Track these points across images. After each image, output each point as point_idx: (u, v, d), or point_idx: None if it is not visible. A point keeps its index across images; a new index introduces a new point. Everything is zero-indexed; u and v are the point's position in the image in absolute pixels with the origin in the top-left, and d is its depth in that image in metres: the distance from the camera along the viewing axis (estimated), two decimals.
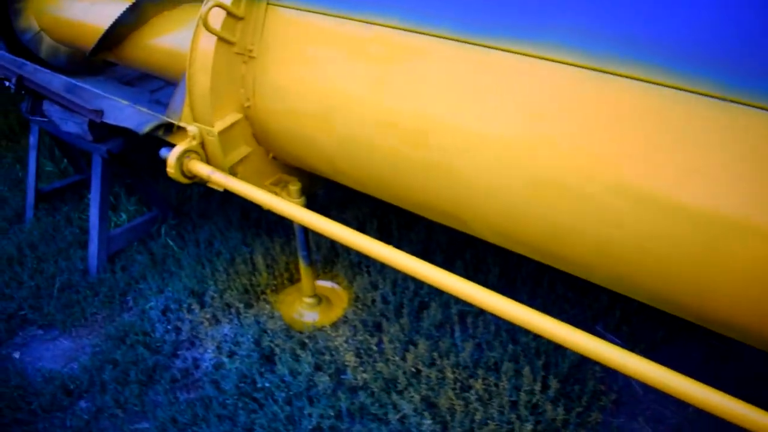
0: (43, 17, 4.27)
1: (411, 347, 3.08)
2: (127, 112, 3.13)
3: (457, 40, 2.22)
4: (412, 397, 2.83)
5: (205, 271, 3.62)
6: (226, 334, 3.19)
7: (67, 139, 3.71)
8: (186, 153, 2.72)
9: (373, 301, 3.34)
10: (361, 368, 2.97)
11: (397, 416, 2.80)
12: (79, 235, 4.02)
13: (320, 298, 3.50)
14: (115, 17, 3.47)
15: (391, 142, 2.42)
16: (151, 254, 3.82)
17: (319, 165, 2.87)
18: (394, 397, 2.86)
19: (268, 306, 3.39)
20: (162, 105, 4.14)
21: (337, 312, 3.45)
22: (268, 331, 3.18)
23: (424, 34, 2.30)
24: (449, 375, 2.90)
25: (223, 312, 3.36)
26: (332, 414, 2.80)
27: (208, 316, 3.32)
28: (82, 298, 3.54)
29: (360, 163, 2.62)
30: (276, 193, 3.09)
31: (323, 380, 2.93)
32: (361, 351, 3.08)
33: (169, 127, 3.02)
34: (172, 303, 3.42)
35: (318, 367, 3.01)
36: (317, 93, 2.58)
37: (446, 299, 3.30)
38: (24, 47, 4.33)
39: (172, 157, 2.67)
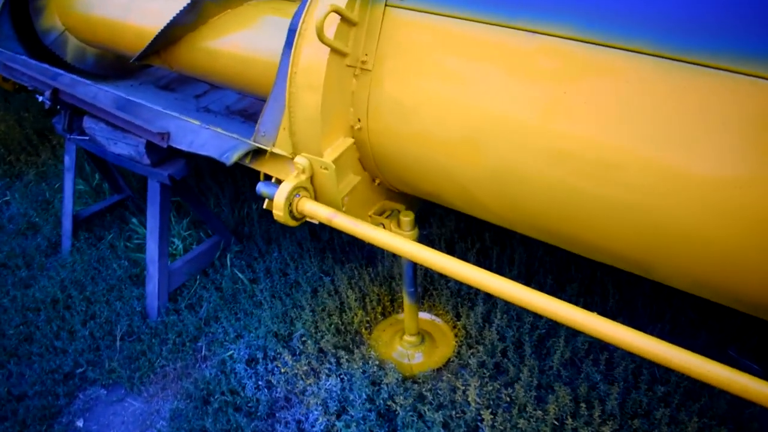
0: (69, 16, 3.71)
1: (547, 394, 2.68)
2: (204, 136, 2.63)
3: (657, 56, 1.77)
4: None
5: (286, 309, 3.17)
6: (330, 390, 2.75)
7: (114, 161, 3.20)
8: (295, 191, 2.25)
9: (487, 337, 2.91)
10: (499, 426, 2.56)
11: None
12: (129, 268, 3.54)
13: (422, 336, 3.07)
14: (165, 15, 2.97)
15: (562, 175, 1.98)
16: (219, 289, 3.35)
17: (448, 195, 2.42)
18: None
19: (369, 350, 2.95)
20: (212, 113, 3.65)
21: (443, 351, 3.03)
22: (381, 384, 2.75)
23: (610, 47, 1.84)
24: (601, 428, 2.50)
25: (319, 360, 2.92)
26: None
27: (303, 367, 2.87)
28: (147, 348, 3.08)
29: (513, 198, 2.17)
30: (383, 225, 2.65)
31: None
32: (492, 402, 2.66)
33: (256, 152, 2.54)
34: (256, 351, 2.97)
35: (446, 426, 2.59)
36: (459, 114, 2.12)
37: (569, 330, 2.90)
38: (47, 50, 3.79)
39: (279, 197, 2.20)
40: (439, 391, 2.72)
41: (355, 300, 3.15)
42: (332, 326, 3.05)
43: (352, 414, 2.63)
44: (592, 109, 1.87)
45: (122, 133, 3.00)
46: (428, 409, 2.64)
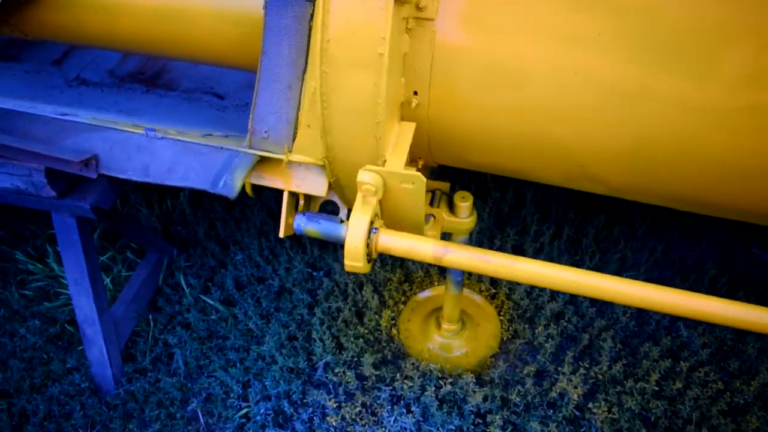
0: None
1: (635, 361, 2.34)
2: (163, 153, 1.71)
3: None
4: None
5: (289, 331, 2.45)
6: (404, 428, 2.17)
7: None
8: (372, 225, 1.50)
9: (535, 303, 2.47)
10: (607, 413, 2.19)
11: None
12: (44, 329, 2.53)
13: (462, 320, 2.55)
14: None
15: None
16: (186, 327, 2.51)
17: (542, 172, 1.80)
18: None
19: (417, 363, 2.38)
20: (91, 85, 2.57)
21: (490, 330, 2.54)
22: (458, 401, 2.22)
23: None
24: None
25: (365, 391, 2.30)
26: None
27: (352, 407, 2.24)
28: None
29: (653, 172, 1.63)
30: (433, 217, 1.99)
31: None
32: (582, 383, 2.27)
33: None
34: (279, 401, 2.27)
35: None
36: (591, 78, 1.48)
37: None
38: None
39: (356, 239, 1.46)
40: (520, 388, 2.26)
41: (372, 294, 2.51)
42: (359, 339, 2.42)
43: None
44: None
45: None
46: (524, 418, 2.19)
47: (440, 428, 2.15)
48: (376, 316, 2.49)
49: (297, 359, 2.37)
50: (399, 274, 2.63)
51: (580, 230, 2.75)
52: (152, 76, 2.65)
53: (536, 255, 2.64)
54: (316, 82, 1.51)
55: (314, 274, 2.66)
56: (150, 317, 2.53)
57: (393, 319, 2.54)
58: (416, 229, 1.68)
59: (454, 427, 2.13)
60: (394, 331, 2.51)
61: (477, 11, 1.50)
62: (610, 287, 1.45)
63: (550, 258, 2.62)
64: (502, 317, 2.54)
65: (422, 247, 1.51)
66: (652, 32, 1.43)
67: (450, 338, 2.52)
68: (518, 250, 2.68)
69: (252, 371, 2.36)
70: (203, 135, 1.91)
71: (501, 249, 2.67)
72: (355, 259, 1.49)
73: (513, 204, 2.84)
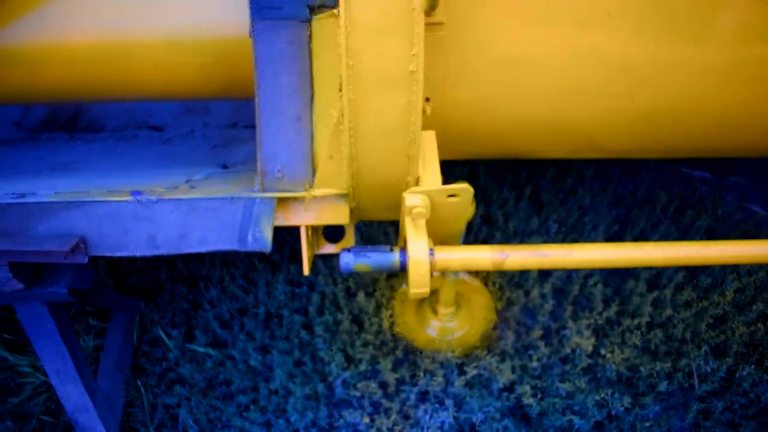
0: None
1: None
2: (169, 220, 1.52)
3: None
4: None
5: (294, 357, 2.34)
6: (445, 424, 2.17)
7: None
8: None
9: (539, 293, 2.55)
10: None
11: None
12: (21, 423, 2.22)
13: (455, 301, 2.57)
14: None
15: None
16: (181, 382, 2.31)
17: (551, 150, 1.83)
18: None
19: (433, 355, 2.37)
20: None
21: (482, 307, 2.59)
22: (489, 387, 2.26)
23: None
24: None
25: (389, 397, 2.27)
26: None
27: (389, 417, 2.20)
28: None
29: (656, 134, 1.72)
30: None
31: None
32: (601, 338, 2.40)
33: None
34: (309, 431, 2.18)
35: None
36: (603, 60, 1.51)
37: None
38: None
39: (420, 267, 1.40)
40: (533, 353, 2.34)
41: (365, 298, 2.45)
42: (367, 347, 2.37)
43: None
44: None
45: None
46: (546, 380, 2.27)
47: (478, 413, 2.18)
48: (376, 319, 2.44)
49: (313, 384, 2.28)
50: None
51: (536, 187, 2.85)
52: (69, 120, 2.34)
53: (506, 221, 2.70)
54: (340, 111, 1.40)
55: (297, 291, 2.54)
56: (138, 382, 2.30)
57: (392, 317, 2.50)
58: (455, 239, 1.65)
59: (493, 409, 2.17)
60: (396, 329, 2.48)
61: (486, 7, 1.46)
62: (662, 255, 1.52)
63: (522, 220, 2.70)
64: (491, 288, 2.59)
65: (480, 257, 1.48)
66: (656, 5, 1.47)
67: (449, 320, 2.53)
68: (488, 220, 2.72)
69: (269, 409, 2.24)
70: (186, 182, 1.73)
71: (472, 223, 2.70)
72: (421, 286, 1.44)
73: (468, 177, 2.87)
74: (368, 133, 1.42)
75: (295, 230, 2.56)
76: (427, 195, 1.44)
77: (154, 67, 1.74)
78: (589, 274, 2.55)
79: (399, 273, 1.62)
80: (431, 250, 1.46)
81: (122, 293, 2.50)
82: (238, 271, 2.57)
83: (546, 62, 1.51)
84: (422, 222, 1.45)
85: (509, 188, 2.80)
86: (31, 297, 1.79)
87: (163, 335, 2.40)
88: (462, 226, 1.60)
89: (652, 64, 1.53)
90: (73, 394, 2.02)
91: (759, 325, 2.39)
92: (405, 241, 1.47)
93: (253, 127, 2.15)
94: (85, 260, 1.53)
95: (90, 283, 1.82)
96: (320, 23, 1.44)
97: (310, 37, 1.46)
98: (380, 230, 2.69)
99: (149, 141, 2.25)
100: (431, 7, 1.28)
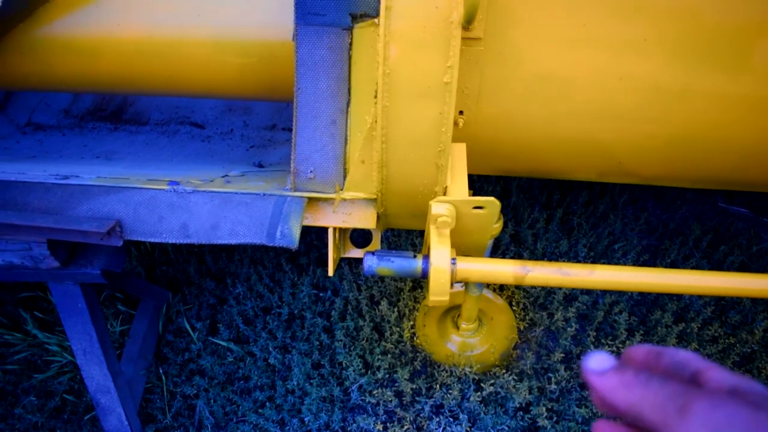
0: None
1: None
2: (200, 207, 1.57)
3: None
4: None
5: (313, 360, 2.37)
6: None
7: None
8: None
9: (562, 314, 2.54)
10: None
11: None
12: (43, 403, 2.29)
13: (478, 318, 2.56)
14: None
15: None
16: (201, 374, 2.36)
17: (579, 173, 1.83)
18: None
19: (451, 368, 2.38)
20: (42, 129, 2.33)
21: (505, 326, 2.57)
22: (505, 405, 2.24)
23: None
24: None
25: (404, 407, 2.27)
26: None
27: (402, 426, 2.21)
28: None
29: (684, 161, 1.70)
30: None
31: None
32: None
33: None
34: None
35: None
36: (631, 84, 1.51)
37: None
38: None
39: (441, 275, 1.42)
40: (552, 375, 2.32)
41: (388, 307, 2.47)
42: (386, 355, 2.38)
43: None
44: None
45: None
46: (563, 404, 2.25)
47: (491, 430, 2.17)
48: (397, 329, 2.46)
49: (329, 387, 2.30)
50: (408, 282, 2.60)
51: (567, 210, 2.84)
52: (114, 111, 2.44)
53: (535, 242, 2.69)
54: (374, 116, 1.44)
55: (321, 295, 2.57)
56: (159, 370, 2.36)
57: (413, 328, 2.52)
58: (479, 252, 1.66)
59: (507, 427, 2.16)
60: (416, 340, 2.49)
61: (523, 25, 1.48)
62: (688, 282, 1.50)
63: (551, 242, 2.69)
64: (515, 308, 2.58)
65: (501, 270, 1.49)
66: (692, 34, 1.47)
67: (470, 336, 2.53)
68: (517, 239, 2.72)
69: (285, 408, 2.27)
70: (221, 177, 1.78)
71: (500, 241, 2.70)
72: (441, 294, 1.45)
73: (500, 194, 2.88)
74: (399, 140, 1.45)
75: (323, 235, 2.62)
76: (453, 205, 1.45)
77: (200, 65, 1.81)
78: (615, 301, 2.53)
79: (420, 279, 1.63)
80: (453, 259, 1.48)
81: (152, 282, 2.57)
82: (265, 271, 2.61)
83: (579, 83, 1.52)
84: (446, 231, 1.47)
85: (541, 209, 2.80)
86: (66, 276, 1.86)
87: (188, 327, 2.45)
88: (486, 239, 1.61)
89: (685, 92, 1.52)
90: (96, 375, 2.08)
91: None
92: (428, 249, 1.49)
93: (291, 129, 2.22)
94: (120, 243, 1.59)
95: (122, 267, 1.88)
96: (361, 31, 1.48)
97: (350, 44, 1.50)
98: (408, 241, 2.71)
99: (190, 137, 2.33)
100: (468, 21, 1.30)
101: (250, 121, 2.36)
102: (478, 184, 2.89)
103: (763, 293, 1.49)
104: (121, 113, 2.43)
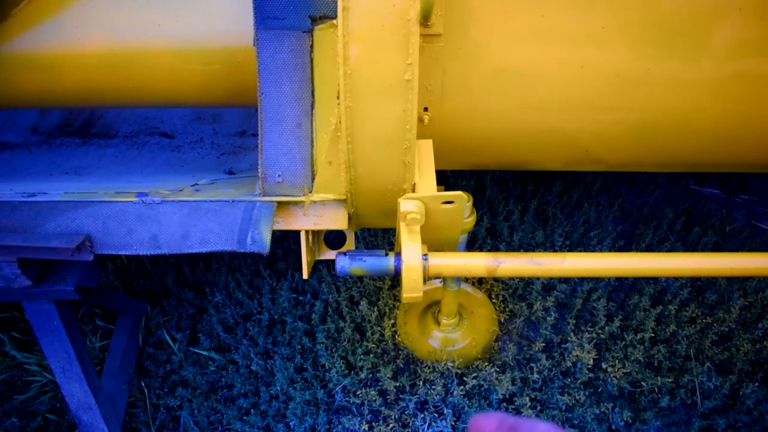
0: None
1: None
2: (169, 218, 1.56)
3: None
4: None
5: (295, 364, 2.37)
6: None
7: None
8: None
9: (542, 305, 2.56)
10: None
11: None
12: (26, 420, 2.27)
13: (458, 312, 2.58)
14: None
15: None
16: (183, 385, 2.35)
17: (547, 162, 1.85)
18: None
19: (433, 365, 2.39)
20: (9, 147, 2.30)
21: (486, 319, 2.58)
22: (488, 398, 2.26)
23: None
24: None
25: (389, 406, 2.28)
26: None
27: (387, 425, 2.21)
28: None
29: (650, 145, 1.73)
30: None
31: None
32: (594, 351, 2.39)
33: None
34: None
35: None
36: (600, 74, 1.53)
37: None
38: None
39: (413, 272, 1.43)
40: (534, 365, 2.34)
41: (368, 306, 2.47)
42: (368, 355, 2.38)
43: None
44: None
45: None
46: (546, 393, 2.27)
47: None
48: (378, 328, 2.46)
49: (313, 390, 2.30)
50: (387, 281, 2.60)
51: (542, 201, 2.86)
52: (82, 125, 2.41)
53: (512, 234, 2.71)
54: (338, 117, 1.44)
55: (301, 298, 2.57)
56: (141, 384, 2.34)
57: (394, 326, 2.52)
58: (451, 247, 1.67)
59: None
60: (398, 338, 2.49)
61: (482, 20, 1.49)
62: (662, 265, 1.52)
63: (527, 233, 2.71)
64: (495, 300, 2.59)
65: (474, 263, 1.50)
66: (650, 20, 1.50)
67: (452, 331, 2.54)
68: (494, 232, 2.74)
69: (269, 414, 2.26)
70: (191, 186, 1.78)
71: (476, 234, 2.72)
72: (414, 291, 1.46)
73: (474, 189, 2.89)
74: (365, 139, 1.46)
75: (299, 239, 2.61)
76: (422, 201, 1.46)
77: (164, 74, 1.80)
78: (593, 288, 2.55)
79: (393, 277, 1.63)
80: (425, 255, 1.49)
81: (130, 296, 2.55)
82: (243, 278, 2.61)
83: (541, 74, 1.54)
84: (417, 228, 1.48)
85: (515, 201, 2.82)
86: (39, 294, 1.85)
87: (168, 338, 2.44)
88: (458, 234, 1.62)
89: (646, 78, 1.55)
90: (77, 392, 2.06)
91: (765, 343, 2.37)
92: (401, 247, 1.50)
93: None
94: (91, 258, 1.58)
95: (96, 281, 1.87)
96: (321, 33, 1.48)
97: (311, 46, 1.50)
98: (385, 240, 2.71)
99: (160, 147, 2.31)
100: (425, 18, 1.31)
101: (220, 129, 2.36)
102: (452, 179, 2.90)
103: (737, 271, 1.52)
104: (90, 127, 2.41)
